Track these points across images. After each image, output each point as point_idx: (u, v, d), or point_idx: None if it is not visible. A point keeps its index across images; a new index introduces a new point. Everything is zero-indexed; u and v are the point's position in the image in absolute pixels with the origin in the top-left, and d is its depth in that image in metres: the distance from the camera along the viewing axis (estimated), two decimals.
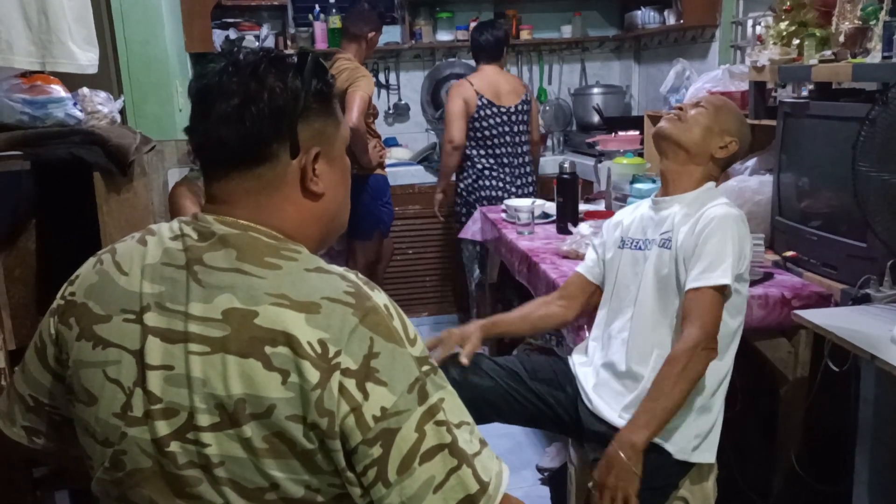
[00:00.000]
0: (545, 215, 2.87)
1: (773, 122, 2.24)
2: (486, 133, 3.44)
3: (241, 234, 0.87)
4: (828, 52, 2.01)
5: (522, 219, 2.74)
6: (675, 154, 1.72)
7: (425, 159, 4.23)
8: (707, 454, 1.62)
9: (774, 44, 2.24)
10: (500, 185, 3.48)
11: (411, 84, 4.48)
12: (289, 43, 4.16)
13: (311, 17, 4.18)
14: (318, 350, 0.79)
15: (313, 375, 0.78)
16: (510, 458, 2.53)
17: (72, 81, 1.84)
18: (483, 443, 0.87)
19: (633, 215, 1.83)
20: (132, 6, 2.81)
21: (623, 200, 2.59)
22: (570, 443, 1.93)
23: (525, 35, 4.37)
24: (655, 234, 1.71)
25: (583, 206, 2.78)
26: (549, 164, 4.03)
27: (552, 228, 2.72)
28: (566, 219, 2.61)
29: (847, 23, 1.98)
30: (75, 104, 1.81)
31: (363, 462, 0.79)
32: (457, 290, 4.11)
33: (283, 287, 0.82)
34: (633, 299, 1.72)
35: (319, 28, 4.15)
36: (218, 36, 3.73)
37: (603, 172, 2.90)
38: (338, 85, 0.95)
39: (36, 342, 0.96)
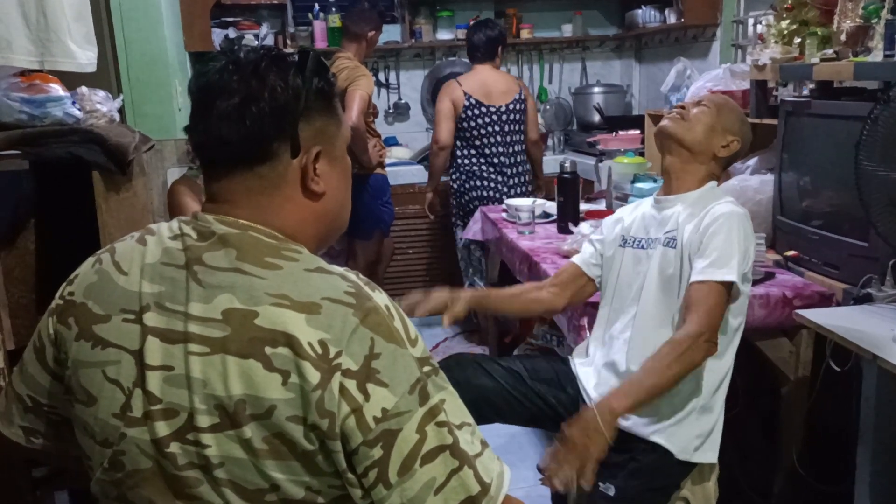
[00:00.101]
0: (546, 215, 2.87)
1: (774, 121, 2.23)
2: (475, 133, 3.43)
3: (242, 233, 0.86)
4: (829, 51, 2.00)
5: (523, 218, 2.74)
6: (677, 153, 1.71)
7: (425, 159, 4.22)
8: (708, 454, 1.61)
9: (776, 42, 2.24)
10: (492, 185, 3.47)
11: (411, 83, 4.48)
12: (288, 42, 4.16)
13: (310, 15, 4.17)
14: (319, 351, 0.78)
15: (314, 376, 0.77)
16: (511, 458, 2.51)
17: (71, 80, 1.84)
18: (484, 444, 0.86)
19: (634, 214, 1.82)
20: (131, 5, 2.81)
21: (624, 200, 2.59)
22: None
23: (525, 34, 4.37)
24: (659, 233, 1.71)
25: (583, 206, 2.78)
26: (550, 163, 4.02)
27: (553, 228, 2.72)
28: (567, 218, 2.61)
29: (848, 21, 1.97)
30: (74, 103, 1.81)
31: (364, 463, 0.79)
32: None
33: (284, 287, 0.82)
34: (635, 299, 1.71)
35: (319, 27, 4.14)
36: (217, 35, 3.72)
37: (604, 172, 2.90)
38: (337, 84, 0.95)
39: (35, 342, 0.96)
